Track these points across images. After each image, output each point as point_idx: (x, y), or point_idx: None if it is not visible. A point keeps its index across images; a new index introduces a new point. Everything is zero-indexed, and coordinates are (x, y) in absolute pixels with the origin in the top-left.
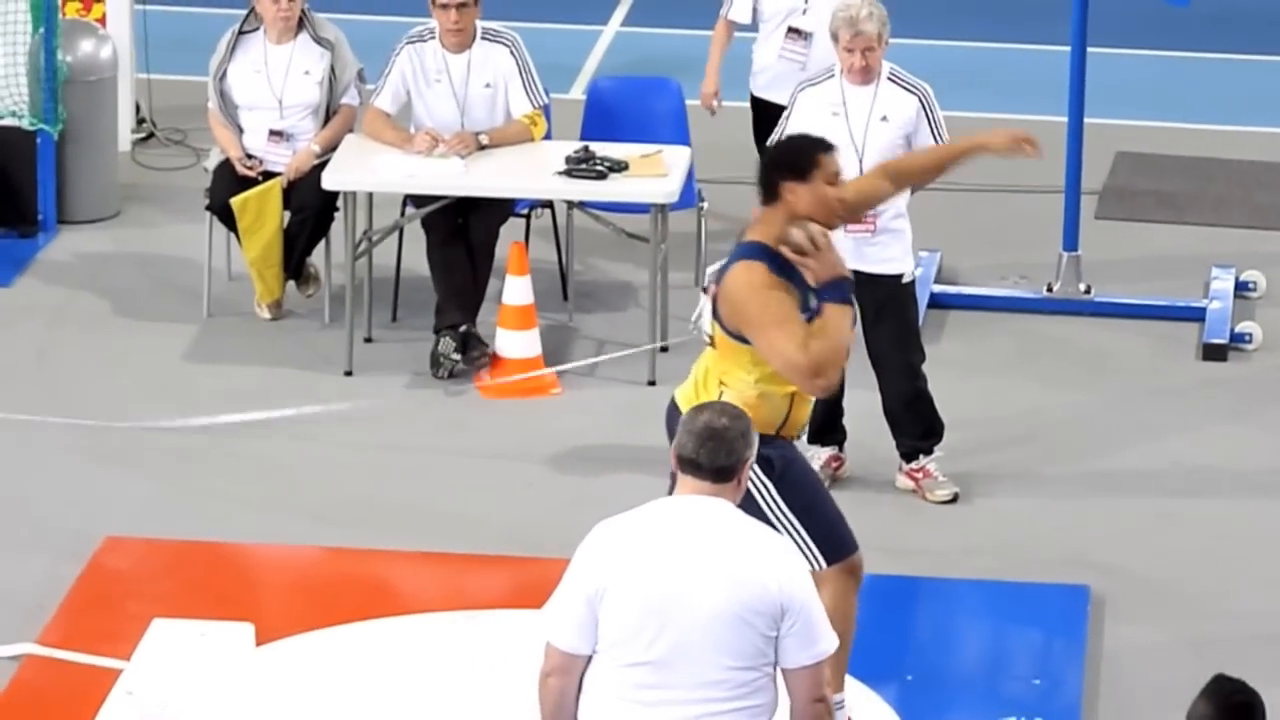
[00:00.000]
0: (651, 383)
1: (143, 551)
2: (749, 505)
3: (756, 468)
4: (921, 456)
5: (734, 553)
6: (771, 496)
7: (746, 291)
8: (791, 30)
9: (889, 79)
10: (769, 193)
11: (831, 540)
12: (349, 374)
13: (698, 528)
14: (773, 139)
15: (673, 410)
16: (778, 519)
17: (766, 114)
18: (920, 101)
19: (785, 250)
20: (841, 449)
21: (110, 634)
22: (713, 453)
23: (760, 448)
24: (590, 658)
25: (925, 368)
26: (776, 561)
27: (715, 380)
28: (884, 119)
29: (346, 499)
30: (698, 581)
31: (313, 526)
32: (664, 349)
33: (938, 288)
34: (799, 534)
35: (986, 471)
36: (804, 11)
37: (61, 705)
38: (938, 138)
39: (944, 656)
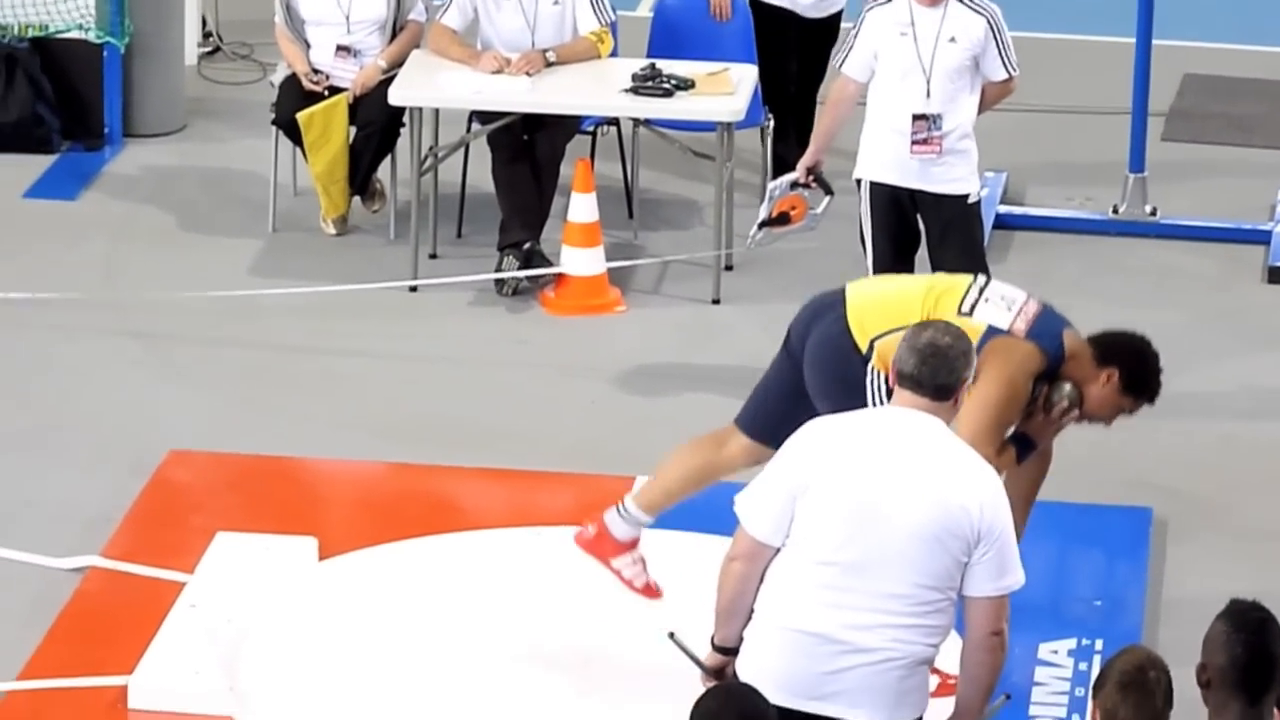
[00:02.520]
0: (715, 301)
1: (207, 465)
2: None
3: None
4: None
5: (941, 473)
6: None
7: (1013, 368)
8: None
9: (957, 0)
10: (1101, 357)
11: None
12: (414, 289)
13: (909, 442)
14: (838, 56)
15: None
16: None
17: (769, 17)
18: (989, 23)
19: (1059, 399)
20: None
21: (174, 547)
22: (934, 370)
23: None
24: (777, 551)
25: None
26: (981, 487)
27: (898, 320)
28: (952, 40)
29: (410, 415)
30: (901, 495)
31: (376, 442)
32: (729, 267)
33: (1003, 208)
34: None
35: None
36: None
37: (125, 618)
38: (1005, 60)
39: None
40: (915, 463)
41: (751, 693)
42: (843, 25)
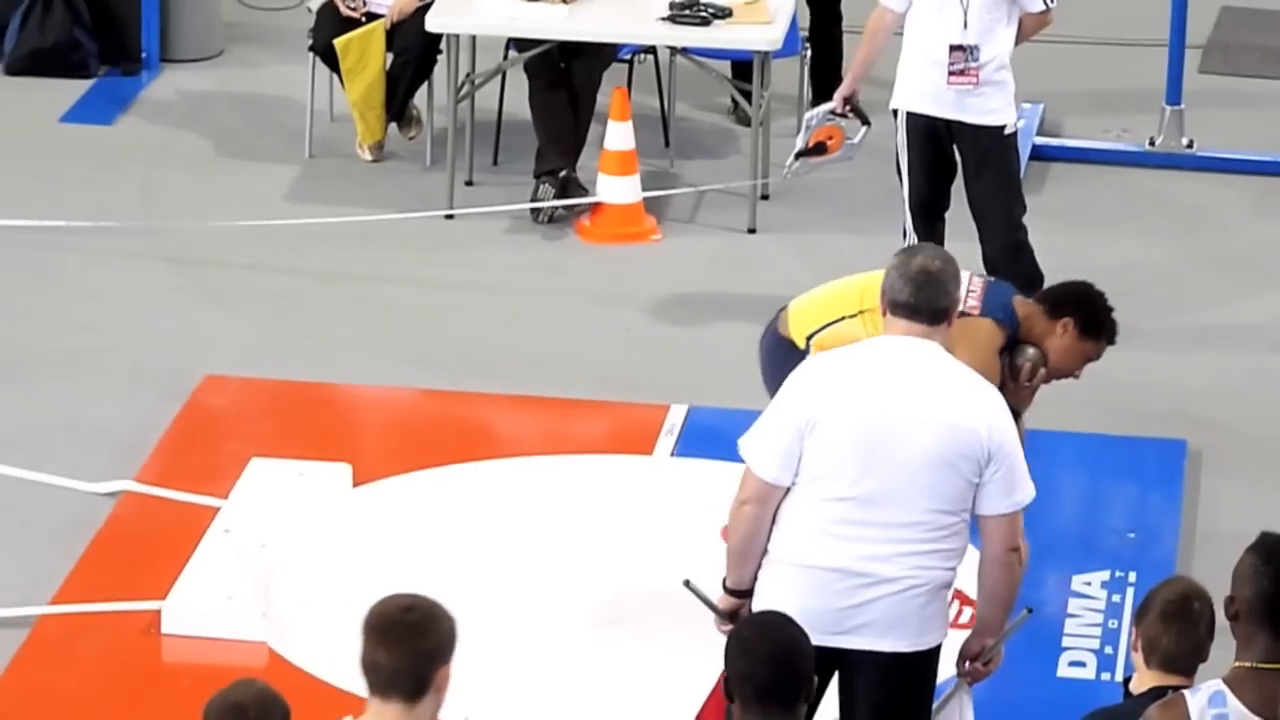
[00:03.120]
0: (752, 230)
1: (241, 391)
2: None
3: None
4: None
5: (947, 396)
6: None
7: (982, 352)
8: None
9: None
10: (1052, 310)
11: None
12: (449, 217)
13: (913, 369)
14: None
15: (778, 337)
16: None
17: None
18: None
19: (1022, 363)
20: None
21: (208, 472)
22: (931, 295)
23: None
24: (787, 490)
25: (1026, 219)
26: (987, 407)
27: (836, 310)
28: None
29: (445, 342)
30: (910, 422)
31: (411, 369)
32: (765, 197)
33: (1040, 140)
34: None
35: None
36: None
37: (158, 542)
38: None
39: (1040, 509)
40: (920, 389)
41: (787, 621)
42: None
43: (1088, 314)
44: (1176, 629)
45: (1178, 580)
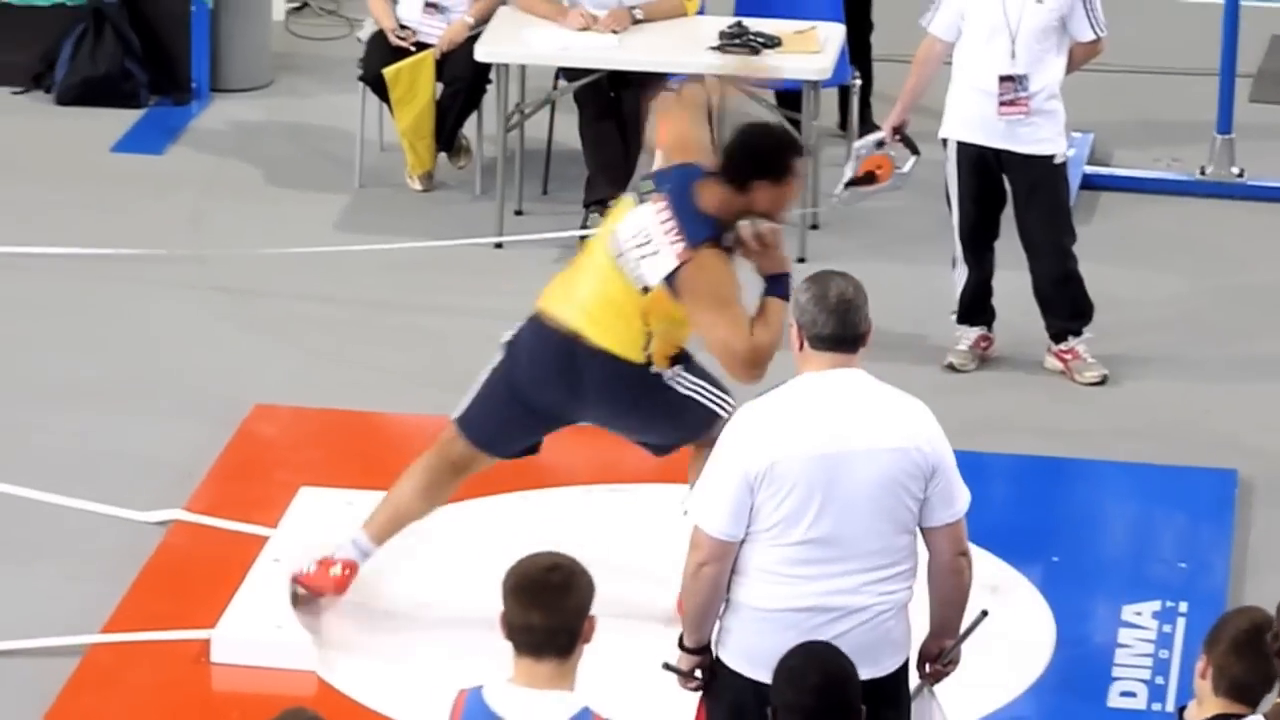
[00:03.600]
0: (801, 260)
1: (291, 420)
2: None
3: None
4: (1071, 338)
5: (884, 421)
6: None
7: (711, 279)
8: None
9: None
10: (737, 181)
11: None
12: (499, 246)
13: (847, 401)
14: (925, 16)
15: (539, 326)
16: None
17: None
18: None
19: (744, 236)
20: (990, 329)
21: (257, 501)
22: (852, 322)
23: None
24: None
25: (1076, 249)
26: (923, 424)
27: (637, 320)
28: (1039, 0)
29: None
30: (855, 455)
31: (460, 398)
32: (814, 226)
33: (1090, 169)
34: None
35: (1136, 353)
36: None
37: (208, 571)
38: (1092, 21)
39: (1090, 538)
40: (858, 420)
41: (834, 651)
42: None
43: (769, 166)
44: (1248, 661)
45: (1251, 610)
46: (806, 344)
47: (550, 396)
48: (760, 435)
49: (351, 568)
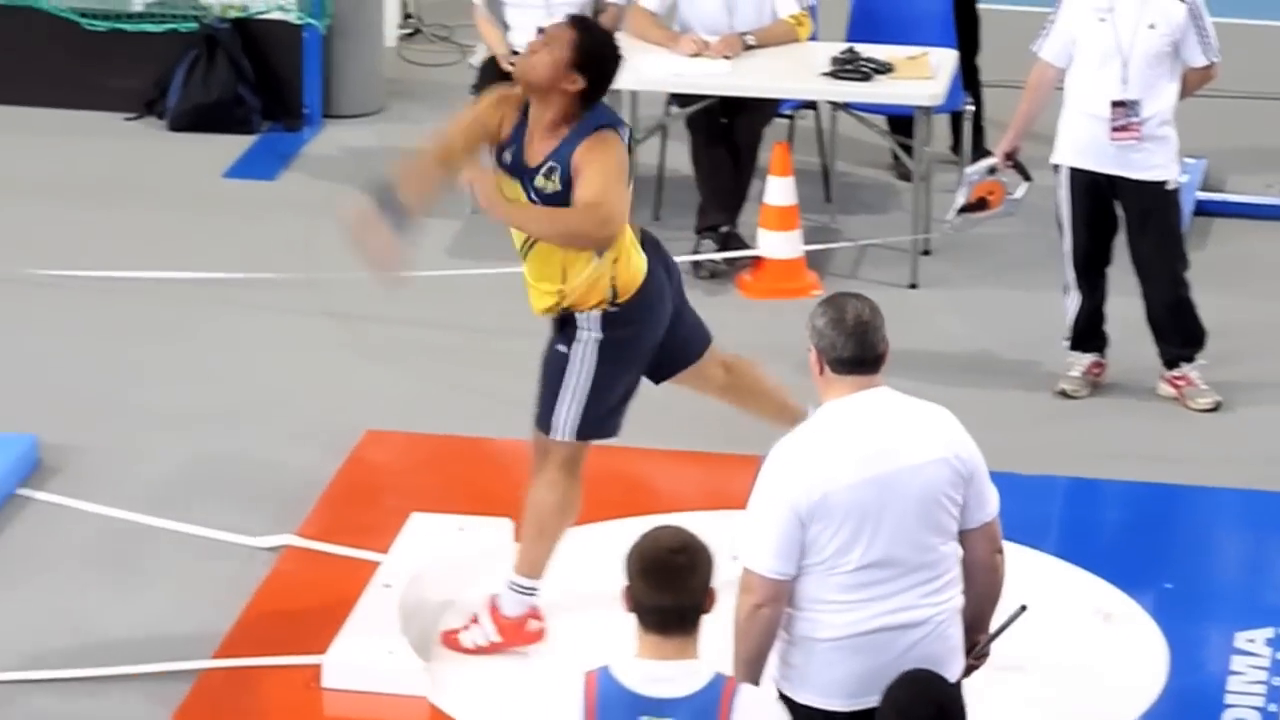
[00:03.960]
0: (913, 285)
1: (402, 446)
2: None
3: (597, 329)
4: (1183, 364)
5: (922, 434)
6: (584, 359)
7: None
8: None
9: None
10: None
11: (595, 424)
12: None
13: (884, 420)
14: (1036, 41)
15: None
16: (571, 378)
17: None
18: (1189, 9)
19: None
20: (1103, 355)
21: (369, 527)
22: (872, 343)
23: (618, 322)
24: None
25: (1189, 275)
26: (954, 431)
27: (552, 280)
28: (1151, 26)
29: None
30: (902, 472)
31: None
32: (926, 252)
33: (1202, 195)
34: (573, 401)
35: (1249, 380)
36: None
37: (319, 597)
38: (1205, 46)
39: (1203, 565)
40: (898, 439)
41: (939, 679)
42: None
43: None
44: None
45: None
46: (827, 368)
47: (667, 321)
48: (805, 469)
49: (537, 613)
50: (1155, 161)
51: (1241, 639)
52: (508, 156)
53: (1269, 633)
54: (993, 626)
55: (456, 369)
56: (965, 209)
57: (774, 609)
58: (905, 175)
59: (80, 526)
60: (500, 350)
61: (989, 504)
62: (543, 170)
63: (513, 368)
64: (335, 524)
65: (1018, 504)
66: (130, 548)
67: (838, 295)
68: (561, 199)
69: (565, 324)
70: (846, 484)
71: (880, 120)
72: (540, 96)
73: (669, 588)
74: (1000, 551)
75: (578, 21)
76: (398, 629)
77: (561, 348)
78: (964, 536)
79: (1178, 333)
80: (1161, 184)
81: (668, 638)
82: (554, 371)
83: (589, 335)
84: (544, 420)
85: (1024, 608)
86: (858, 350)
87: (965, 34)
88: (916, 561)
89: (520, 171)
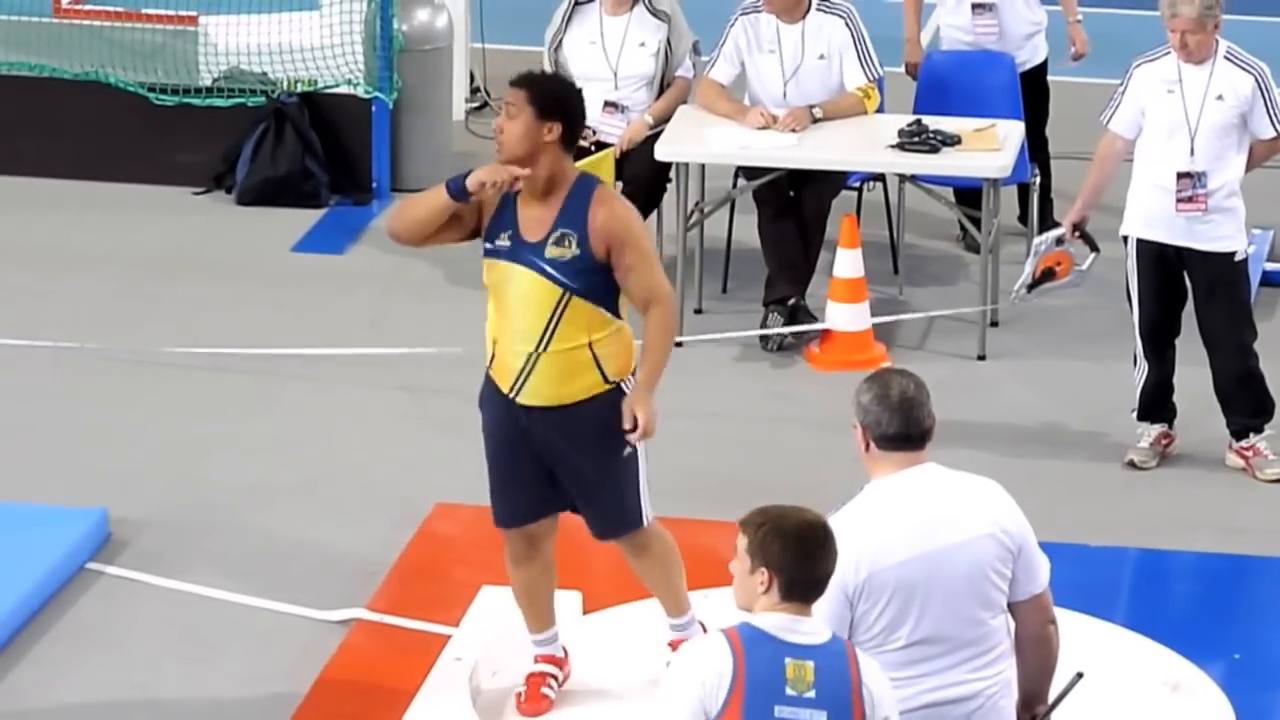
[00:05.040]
0: (981, 357)
1: (472, 519)
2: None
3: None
4: (1252, 435)
5: (969, 510)
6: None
7: (638, 220)
8: (976, 6)
9: (1225, 57)
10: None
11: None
12: (679, 344)
13: (931, 498)
14: (1105, 112)
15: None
16: (640, 465)
17: None
18: (1256, 81)
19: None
20: (1171, 426)
21: (439, 600)
22: (919, 418)
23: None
24: None
25: (1257, 346)
26: (1002, 506)
27: (579, 335)
28: (1219, 98)
29: (675, 469)
30: (949, 549)
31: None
32: (994, 323)
33: (1270, 266)
34: (644, 484)
35: None
36: None
37: (390, 670)
38: (1273, 117)
39: (1273, 636)
40: (944, 516)
41: None
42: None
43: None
44: None
45: None
46: (873, 445)
47: None
48: (853, 547)
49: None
50: (1222, 233)
51: None
52: (504, 242)
53: None
54: (1051, 696)
55: None
56: (1033, 280)
57: None
58: (973, 247)
59: (151, 601)
60: None
61: (1039, 576)
62: (551, 240)
63: None
64: (405, 597)
65: (1087, 575)
66: (201, 622)
67: (883, 371)
68: (581, 263)
69: (600, 421)
70: (894, 562)
71: (947, 192)
72: (529, 165)
73: (826, 556)
74: (1053, 622)
75: (520, 79)
76: (469, 703)
77: (624, 448)
78: (1014, 609)
79: (1246, 403)
80: (1229, 255)
81: (807, 603)
82: (628, 471)
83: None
84: (634, 523)
85: (1080, 675)
86: (903, 427)
87: (1035, 104)
88: (966, 637)
89: (522, 252)
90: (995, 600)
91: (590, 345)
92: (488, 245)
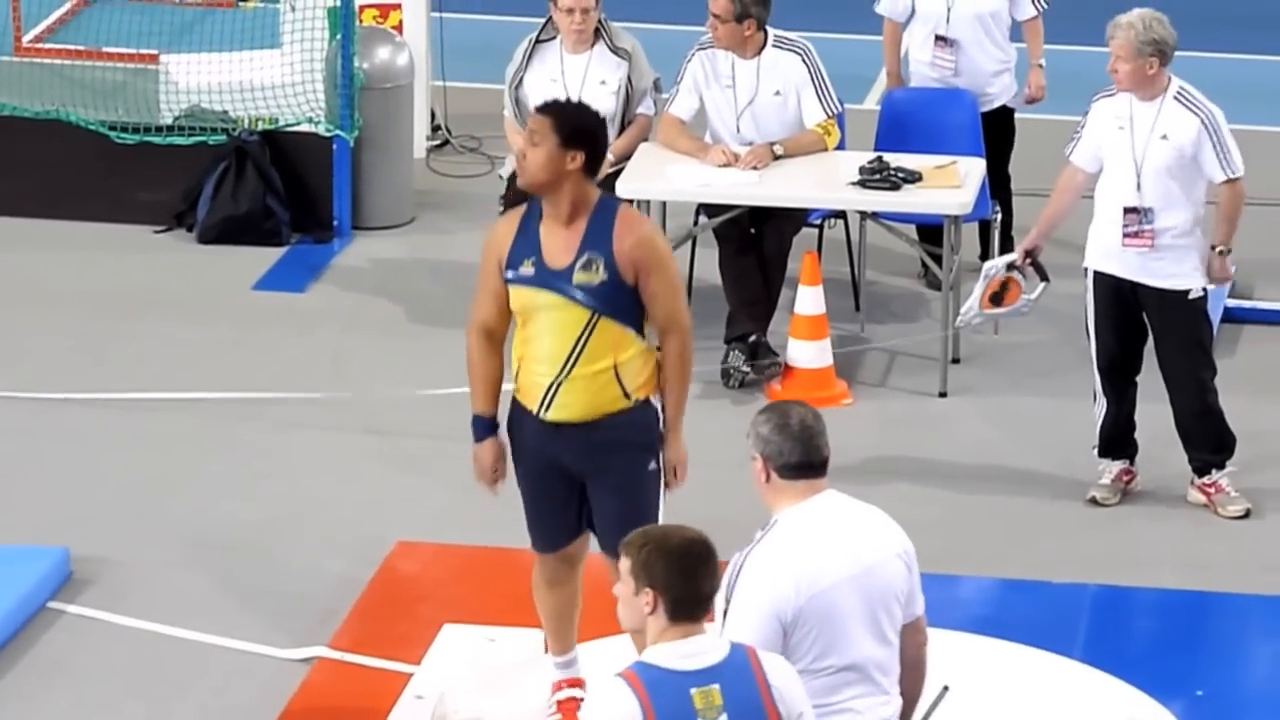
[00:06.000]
0: (943, 394)
1: (434, 557)
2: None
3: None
4: (1214, 471)
5: (876, 534)
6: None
7: (664, 244)
8: (939, 39)
9: (1175, 97)
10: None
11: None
12: None
13: (842, 523)
14: (1068, 145)
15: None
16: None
17: None
18: (1203, 123)
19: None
20: (1133, 463)
21: (401, 638)
22: (818, 446)
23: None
24: None
25: (1218, 382)
26: (897, 529)
27: (605, 357)
28: (1164, 137)
29: None
30: (870, 572)
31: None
32: (956, 360)
33: (1232, 302)
34: (657, 505)
35: None
36: (947, 20)
37: (351, 708)
38: (1224, 162)
39: (1235, 672)
40: (859, 540)
41: None
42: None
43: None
44: None
45: None
46: (774, 475)
47: None
48: (788, 574)
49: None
50: (1175, 270)
51: None
52: (527, 269)
53: None
54: (918, 714)
55: None
56: (980, 306)
57: None
58: (934, 284)
59: (112, 639)
60: None
61: (920, 598)
62: (579, 265)
63: None
64: (367, 635)
65: (1048, 612)
66: (162, 660)
67: (779, 403)
68: (610, 287)
69: (625, 436)
70: (827, 585)
71: (909, 228)
72: (552, 191)
73: (709, 570)
74: (926, 643)
75: (545, 107)
76: None
77: (650, 465)
78: (900, 631)
79: (1206, 440)
80: (1184, 293)
81: (695, 622)
82: (649, 488)
83: (657, 430)
84: None
85: (946, 688)
86: (805, 455)
87: (1000, 140)
88: (881, 660)
89: (549, 278)
90: (899, 622)
91: (615, 368)
92: (510, 273)
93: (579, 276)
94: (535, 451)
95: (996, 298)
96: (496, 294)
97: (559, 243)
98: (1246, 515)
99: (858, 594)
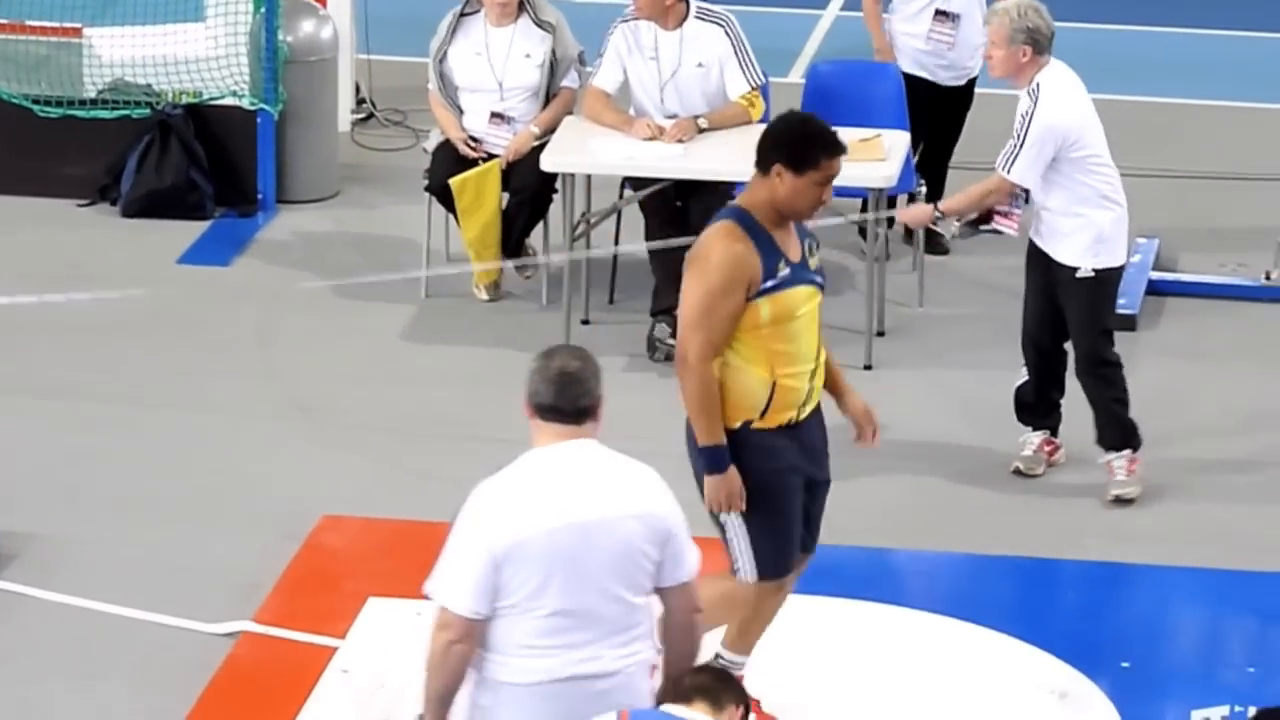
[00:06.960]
0: (868, 367)
1: (359, 530)
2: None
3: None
4: (1110, 452)
5: (621, 490)
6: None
7: (709, 264)
8: (939, 13)
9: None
10: (761, 164)
11: (773, 557)
12: None
13: (583, 472)
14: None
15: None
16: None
17: (915, 90)
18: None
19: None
20: (1055, 434)
21: (326, 612)
22: (573, 394)
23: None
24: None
25: (1145, 355)
26: (655, 490)
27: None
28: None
29: None
30: (597, 524)
31: None
32: (880, 333)
33: (1155, 274)
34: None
35: (1202, 457)
36: None
37: (276, 683)
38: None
39: (1159, 643)
40: (596, 492)
41: None
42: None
43: (789, 145)
44: None
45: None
46: (533, 413)
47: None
48: (501, 513)
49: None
50: (1060, 248)
51: (1198, 717)
52: (785, 271)
53: (1224, 710)
54: None
55: (412, 454)
56: (971, 221)
57: (467, 645)
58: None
59: (36, 615)
60: (456, 435)
61: (687, 564)
62: (808, 253)
63: (468, 453)
64: (292, 610)
65: (974, 584)
66: (87, 635)
67: (556, 346)
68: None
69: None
70: (542, 530)
71: (837, 201)
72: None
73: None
74: (698, 610)
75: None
76: (355, 715)
77: None
78: (663, 595)
79: (1099, 418)
80: (1072, 269)
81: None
82: None
83: None
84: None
85: (719, 657)
86: (556, 400)
87: (956, 113)
88: (607, 613)
89: (801, 272)
90: (640, 582)
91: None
92: (769, 282)
93: (813, 263)
94: (797, 465)
95: (987, 217)
96: (736, 316)
97: (789, 240)
98: (1122, 502)
99: (581, 542)
